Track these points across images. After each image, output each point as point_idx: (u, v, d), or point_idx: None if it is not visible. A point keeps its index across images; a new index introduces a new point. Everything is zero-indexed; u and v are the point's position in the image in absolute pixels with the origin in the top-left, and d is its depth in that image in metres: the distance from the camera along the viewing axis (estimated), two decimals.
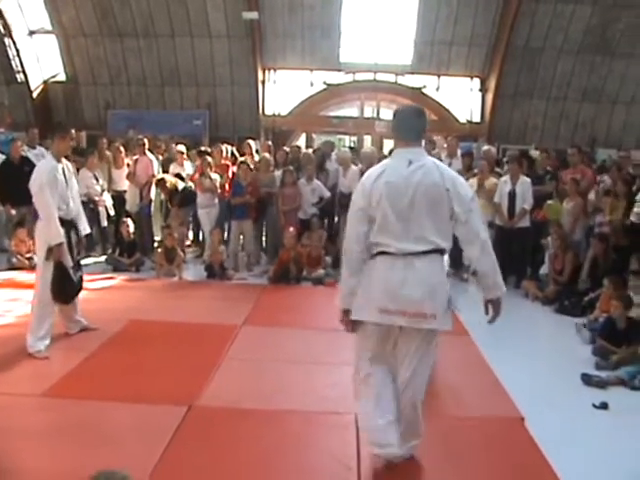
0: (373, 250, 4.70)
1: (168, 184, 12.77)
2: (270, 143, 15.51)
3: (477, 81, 23.65)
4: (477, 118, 24.00)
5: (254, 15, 21.70)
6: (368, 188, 4.66)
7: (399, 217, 4.58)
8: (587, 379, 7.02)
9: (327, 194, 12.35)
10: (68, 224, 7.51)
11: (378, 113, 24.10)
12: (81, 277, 7.94)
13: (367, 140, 23.78)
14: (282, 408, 6.10)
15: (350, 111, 25.07)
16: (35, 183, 7.30)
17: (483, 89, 23.51)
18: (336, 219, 12.92)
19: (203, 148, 14.73)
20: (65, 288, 7.58)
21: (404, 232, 4.59)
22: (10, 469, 4.27)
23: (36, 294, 7.47)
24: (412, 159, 4.66)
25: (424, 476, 4.99)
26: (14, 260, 11.45)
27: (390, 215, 4.59)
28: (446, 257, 5.14)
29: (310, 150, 14.59)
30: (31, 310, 7.46)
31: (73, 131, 8.07)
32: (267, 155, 13.16)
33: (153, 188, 13.18)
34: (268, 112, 24.01)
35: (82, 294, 9.96)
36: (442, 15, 22.19)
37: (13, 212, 12.21)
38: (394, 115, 4.93)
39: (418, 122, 4.83)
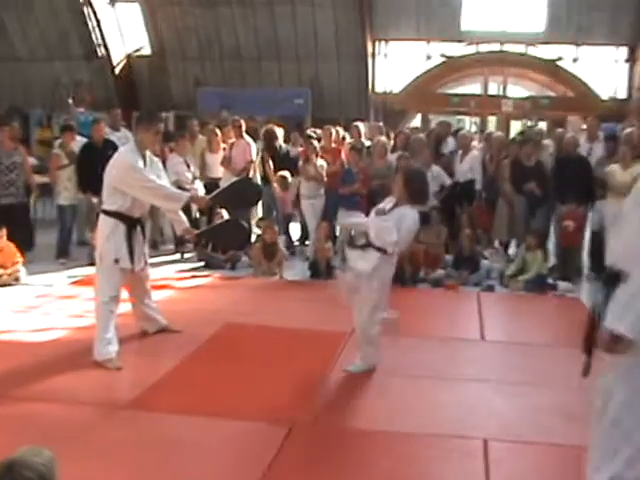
0: None
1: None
2: (381, 125, 15.46)
3: (624, 50, 22.92)
4: (623, 94, 23.31)
5: None
6: None
7: None
8: None
9: (448, 181, 12.27)
10: (133, 222, 7.60)
11: (505, 90, 23.74)
12: None
13: (492, 122, 23.48)
14: (398, 430, 6.03)
15: (472, 88, 24.75)
16: (117, 170, 7.42)
17: (631, 59, 22.78)
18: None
19: (311, 131, 14.73)
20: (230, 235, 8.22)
21: None
22: None
23: (95, 294, 7.59)
24: None
25: None
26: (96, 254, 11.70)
27: None
28: None
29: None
30: (95, 312, 7.55)
31: (161, 125, 8.10)
32: (383, 138, 13.11)
33: (258, 177, 13.42)
34: (378, 90, 23.95)
35: (171, 293, 10.27)
36: None
37: (95, 201, 12.40)
38: None
39: None
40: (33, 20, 24.01)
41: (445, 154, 13.24)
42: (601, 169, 11.61)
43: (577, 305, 10.33)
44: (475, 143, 13.41)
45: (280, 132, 14.59)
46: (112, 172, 7.45)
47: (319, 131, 14.30)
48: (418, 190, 7.07)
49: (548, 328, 9.30)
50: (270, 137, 14.08)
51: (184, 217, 8.30)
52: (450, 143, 13.64)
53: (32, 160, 13.89)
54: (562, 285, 11.08)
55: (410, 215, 7.03)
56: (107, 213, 7.53)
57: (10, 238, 10.85)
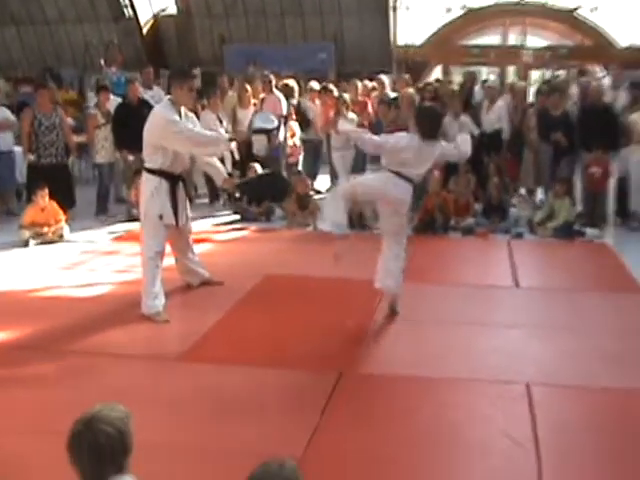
0: None
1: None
2: (408, 77, 15.32)
3: None
4: None
5: None
6: None
7: None
8: None
9: (476, 131, 12.15)
10: (175, 179, 7.55)
11: (524, 41, 23.44)
12: None
13: (510, 72, 23.21)
14: (441, 376, 6.03)
15: (492, 39, 24.45)
16: (156, 127, 7.31)
17: None
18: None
19: (330, 86, 14.57)
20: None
21: None
22: (146, 441, 3.78)
23: (141, 249, 7.57)
24: None
25: None
26: (134, 211, 11.63)
27: None
28: None
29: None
30: (142, 267, 7.53)
31: (194, 80, 8.04)
32: (410, 90, 12.99)
33: (282, 130, 13.29)
34: (400, 42, 23.67)
35: (210, 247, 10.24)
36: None
37: (131, 158, 12.38)
38: None
39: None
40: None
41: (473, 105, 13.11)
42: (625, 117, 11.46)
43: (605, 250, 10.29)
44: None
45: (296, 87, 14.66)
46: (151, 130, 7.36)
47: (331, 85, 14.27)
48: (426, 124, 7.16)
49: (578, 273, 9.23)
50: (287, 92, 14.06)
51: (222, 168, 8.26)
52: (477, 94, 13.50)
53: (70, 121, 13.85)
54: (589, 231, 10.99)
55: (402, 136, 7.28)
56: (150, 171, 7.47)
57: (52, 197, 10.83)
